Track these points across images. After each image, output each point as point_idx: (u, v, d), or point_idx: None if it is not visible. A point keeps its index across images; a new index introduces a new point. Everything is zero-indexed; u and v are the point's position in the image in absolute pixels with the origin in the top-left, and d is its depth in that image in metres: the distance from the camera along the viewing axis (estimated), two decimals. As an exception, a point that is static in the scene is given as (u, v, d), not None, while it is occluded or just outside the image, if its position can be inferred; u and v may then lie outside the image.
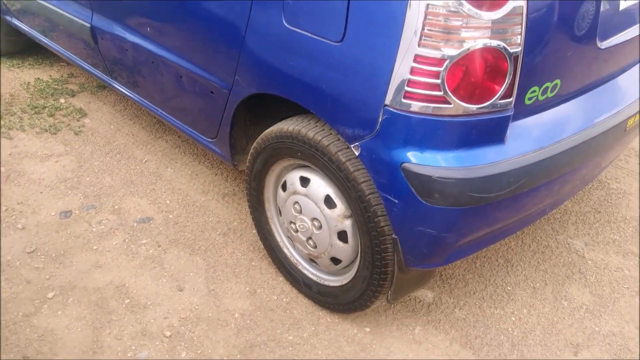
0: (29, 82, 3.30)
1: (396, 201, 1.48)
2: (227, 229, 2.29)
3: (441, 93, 1.33)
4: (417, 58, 1.31)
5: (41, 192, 2.43)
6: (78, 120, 2.98)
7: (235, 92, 1.84)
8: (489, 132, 1.42)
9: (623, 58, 1.78)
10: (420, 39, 1.29)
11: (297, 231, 1.86)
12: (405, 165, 1.41)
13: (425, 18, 1.27)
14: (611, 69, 1.75)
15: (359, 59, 1.41)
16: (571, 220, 2.48)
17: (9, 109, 3.01)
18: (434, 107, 1.35)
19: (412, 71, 1.32)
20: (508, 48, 1.31)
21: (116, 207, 2.37)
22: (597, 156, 1.76)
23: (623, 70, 1.84)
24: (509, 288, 2.11)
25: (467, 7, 1.25)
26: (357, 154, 1.51)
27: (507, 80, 1.35)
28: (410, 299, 2.03)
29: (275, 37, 1.61)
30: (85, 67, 2.78)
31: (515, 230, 1.84)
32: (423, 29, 1.28)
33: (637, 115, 1.78)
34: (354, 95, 1.45)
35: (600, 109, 1.70)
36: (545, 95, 1.51)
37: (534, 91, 1.47)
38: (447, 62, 1.29)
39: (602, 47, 1.61)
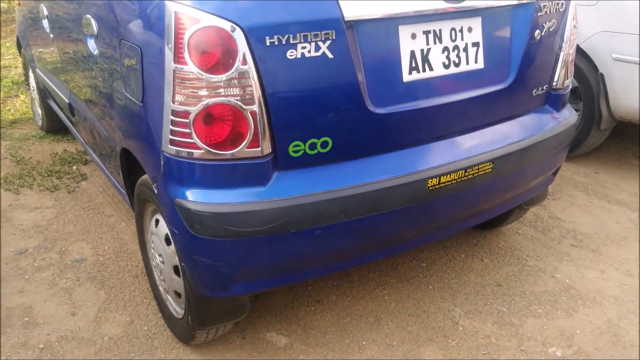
0: (56, 153, 4.00)
1: (176, 232, 1.76)
2: (142, 272, 2.63)
3: (192, 140, 1.63)
4: (173, 112, 1.64)
5: (14, 234, 2.96)
6: (77, 183, 3.56)
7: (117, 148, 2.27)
8: (243, 175, 1.68)
9: (420, 126, 1.94)
10: (173, 97, 1.62)
11: (157, 267, 2.17)
12: (176, 200, 1.70)
13: (174, 81, 1.61)
14: (409, 133, 1.92)
15: (150, 116, 1.77)
16: (466, 290, 2.52)
17: (30, 172, 3.68)
18: (188, 151, 1.65)
19: (172, 123, 1.65)
20: (242, 105, 1.60)
21: (63, 249, 2.82)
22: (403, 211, 1.89)
23: (435, 137, 1.99)
24: (363, 343, 2.22)
25: (198, 71, 1.57)
26: (156, 192, 1.83)
27: (250, 132, 1.63)
28: (263, 341, 2.21)
29: (120, 101, 2.03)
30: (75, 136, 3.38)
31: (328, 270, 2.00)
32: (174, 89, 1.62)
33: (441, 178, 1.91)
34: (150, 144, 1.80)
35: (393, 168, 1.86)
36: (315, 150, 1.74)
37: (298, 145, 1.71)
38: (191, 115, 1.60)
39: (379, 113, 1.81)
